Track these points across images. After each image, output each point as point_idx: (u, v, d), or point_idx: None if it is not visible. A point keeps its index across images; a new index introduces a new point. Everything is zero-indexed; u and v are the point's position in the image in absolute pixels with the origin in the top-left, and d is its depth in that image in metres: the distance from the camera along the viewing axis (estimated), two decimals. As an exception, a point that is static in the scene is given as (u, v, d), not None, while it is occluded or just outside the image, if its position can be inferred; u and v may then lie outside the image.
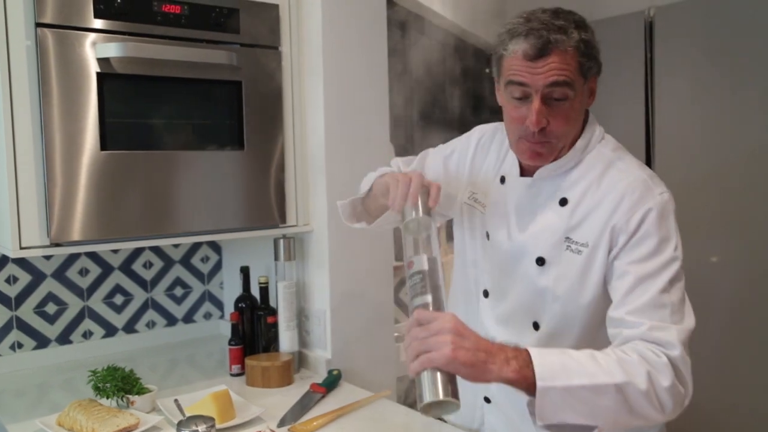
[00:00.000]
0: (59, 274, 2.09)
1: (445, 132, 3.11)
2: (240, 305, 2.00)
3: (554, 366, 1.04)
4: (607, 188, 1.23)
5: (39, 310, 2.06)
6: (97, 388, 1.64)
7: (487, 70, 3.42)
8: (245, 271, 2.02)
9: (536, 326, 1.31)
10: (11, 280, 2.01)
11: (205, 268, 2.41)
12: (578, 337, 1.26)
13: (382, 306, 2.07)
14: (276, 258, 1.95)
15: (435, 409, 1.02)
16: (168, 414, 1.57)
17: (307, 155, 1.96)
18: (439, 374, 1.01)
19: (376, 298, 2.04)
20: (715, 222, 2.53)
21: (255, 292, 2.02)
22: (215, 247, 2.43)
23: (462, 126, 3.19)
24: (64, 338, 2.11)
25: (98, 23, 1.57)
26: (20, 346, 2.03)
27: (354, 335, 1.98)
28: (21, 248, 1.52)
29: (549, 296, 1.27)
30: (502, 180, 1.38)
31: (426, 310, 1.07)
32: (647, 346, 1.10)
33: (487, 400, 1.42)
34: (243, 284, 2.02)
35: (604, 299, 1.22)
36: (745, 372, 2.39)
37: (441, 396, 1.00)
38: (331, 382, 1.80)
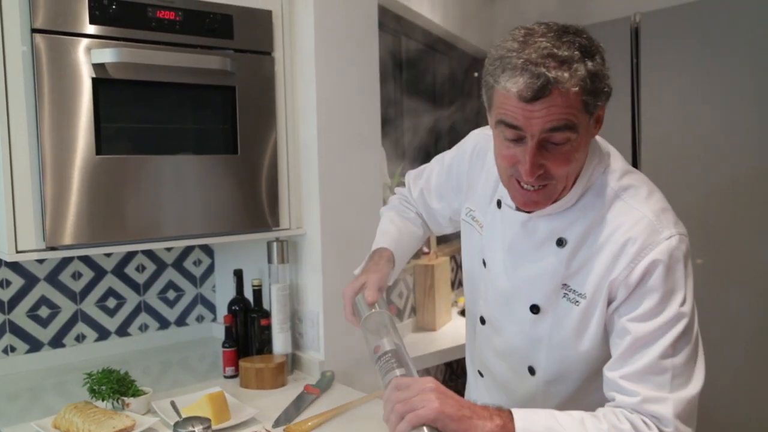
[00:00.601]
0: (52, 278, 2.10)
1: (434, 135, 3.15)
2: (233, 308, 2.02)
3: (537, 429, 1.00)
4: (609, 231, 1.09)
5: (32, 313, 2.07)
6: (92, 391, 1.65)
7: (476, 74, 3.45)
8: (239, 274, 2.04)
9: (532, 371, 1.24)
10: (4, 284, 2.01)
11: (197, 272, 2.42)
12: (577, 383, 1.20)
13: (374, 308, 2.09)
14: (269, 261, 1.97)
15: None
16: (163, 415, 1.59)
17: (300, 159, 1.98)
18: (425, 428, 0.99)
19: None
20: (700, 225, 2.57)
21: (248, 294, 2.03)
22: (207, 250, 2.45)
23: (451, 130, 3.23)
24: (57, 342, 2.11)
25: (93, 29, 1.59)
26: (13, 349, 2.03)
27: (347, 337, 2.00)
28: (17, 252, 1.53)
29: (544, 346, 1.19)
30: (499, 204, 1.25)
31: (402, 378, 1.06)
32: (641, 417, 1.02)
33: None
34: (236, 287, 2.04)
35: (604, 348, 1.13)
36: (733, 373, 2.44)
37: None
38: (325, 384, 1.83)
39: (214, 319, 2.46)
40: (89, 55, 1.58)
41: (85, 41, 1.58)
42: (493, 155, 1.17)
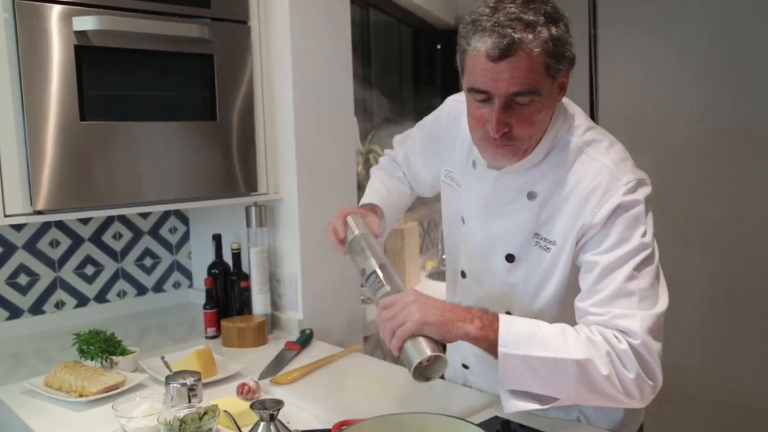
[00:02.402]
0: (30, 246, 2.12)
1: (403, 106, 3.22)
2: (213, 271, 2.08)
3: (519, 335, 1.10)
4: (574, 182, 1.20)
5: (11, 281, 2.09)
6: (81, 351, 1.70)
7: (439, 46, 3.51)
8: (218, 239, 2.10)
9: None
10: (-17, 252, 2.04)
11: (173, 239, 2.47)
12: None
13: (350, 269, 2.17)
14: (248, 225, 2.03)
15: (426, 371, 1.10)
16: (152, 372, 1.65)
17: (276, 125, 2.04)
18: (420, 338, 1.10)
19: (344, 261, 2.14)
20: (653, 186, 2.72)
21: (227, 258, 2.10)
22: (182, 218, 2.49)
23: (419, 99, 3.30)
24: (36, 309, 2.15)
25: (74, -4, 1.62)
26: (-6, 316, 2.06)
27: (324, 297, 2.09)
28: (5, 216, 1.56)
29: (519, 291, 1.29)
30: (474, 164, 1.34)
31: (388, 296, 1.16)
32: (612, 331, 1.10)
33: (465, 366, 1.50)
34: (215, 251, 2.10)
35: (574, 289, 1.21)
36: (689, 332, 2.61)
37: (428, 352, 1.08)
38: (305, 341, 1.91)
39: (191, 285, 2.51)
40: (71, 22, 1.60)
41: (66, 8, 1.60)
42: (466, 119, 1.26)
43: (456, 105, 1.45)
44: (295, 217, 2.03)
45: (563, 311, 1.25)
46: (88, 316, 2.24)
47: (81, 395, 1.53)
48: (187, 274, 2.51)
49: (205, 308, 2.02)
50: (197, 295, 2.39)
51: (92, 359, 1.70)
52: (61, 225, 2.18)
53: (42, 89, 1.57)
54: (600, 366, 1.08)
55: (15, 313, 2.10)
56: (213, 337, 2.01)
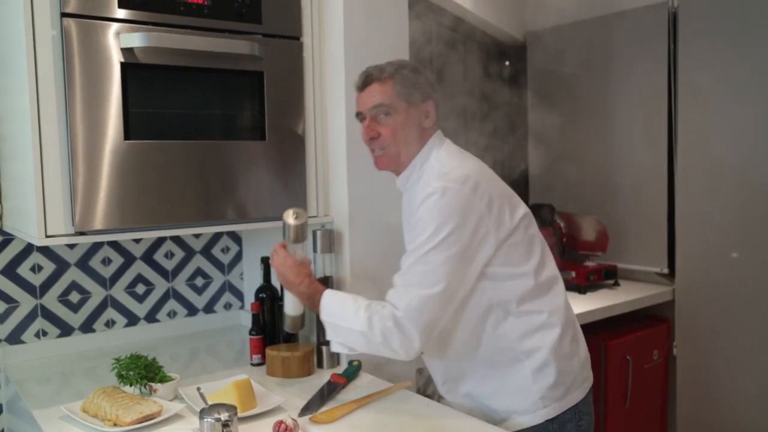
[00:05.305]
0: (83, 264, 2.11)
1: (463, 122, 3.11)
2: (260, 296, 2.01)
3: (330, 309, 1.56)
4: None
5: (63, 298, 2.09)
6: (120, 376, 1.66)
7: (507, 63, 3.40)
8: (266, 262, 2.03)
9: None
10: (36, 268, 2.04)
11: (225, 259, 2.42)
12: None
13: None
14: (314, 250, 1.93)
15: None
16: (190, 402, 1.59)
17: (328, 146, 1.96)
18: (288, 322, 1.75)
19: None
20: (737, 218, 2.50)
21: (275, 282, 2.02)
22: (235, 237, 2.45)
23: (475, 118, 3.18)
24: (87, 327, 2.13)
25: (122, 13, 1.59)
26: (45, 333, 2.06)
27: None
28: (46, 237, 1.54)
29: None
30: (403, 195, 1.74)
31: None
32: (388, 306, 1.48)
33: None
34: (263, 275, 2.03)
35: None
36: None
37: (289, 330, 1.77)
38: (352, 373, 1.81)
39: (242, 307, 2.46)
40: (118, 39, 1.57)
41: (114, 25, 1.57)
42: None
43: None
44: (345, 241, 1.93)
45: None
46: (138, 335, 2.22)
47: (115, 424, 1.48)
48: (239, 295, 2.46)
49: (250, 334, 1.95)
50: (248, 318, 2.32)
51: (131, 385, 1.65)
52: (113, 243, 2.16)
53: (86, 108, 1.54)
54: (375, 335, 1.47)
55: (66, 330, 2.10)
56: (258, 365, 1.94)
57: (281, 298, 1.98)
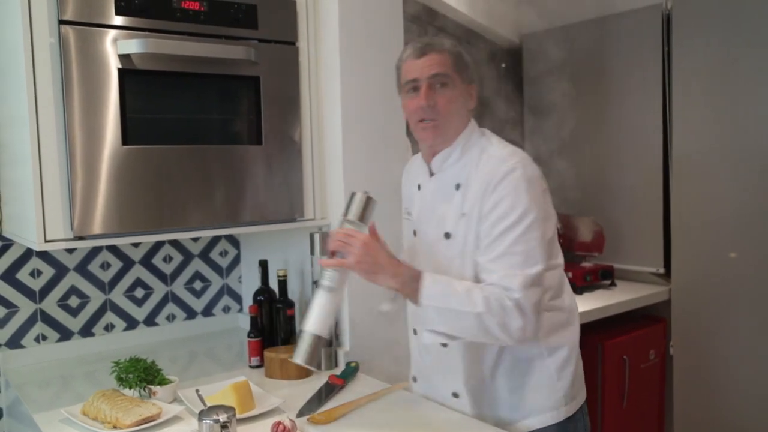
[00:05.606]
0: (82, 268, 2.13)
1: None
2: (258, 298, 2.02)
3: (435, 291, 1.41)
4: (480, 169, 1.51)
5: (62, 303, 2.10)
6: (120, 379, 1.67)
7: (503, 65, 3.42)
8: (264, 265, 2.05)
9: None
10: (35, 273, 2.05)
11: (223, 262, 2.44)
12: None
13: (399, 300, 2.08)
14: (311, 252, 1.95)
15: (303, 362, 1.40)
16: (189, 404, 1.60)
17: (324, 149, 1.98)
18: (309, 343, 1.39)
19: (393, 292, 2.05)
20: (732, 218, 2.52)
21: (273, 285, 2.04)
22: (233, 241, 2.46)
23: (482, 118, 3.19)
24: (86, 331, 2.15)
25: (119, 20, 1.60)
26: (44, 338, 2.07)
27: (371, 329, 1.99)
28: (46, 241, 1.55)
29: (456, 261, 1.53)
30: (419, 187, 1.66)
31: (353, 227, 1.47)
32: (500, 288, 1.40)
33: (455, 395, 1.61)
34: (261, 278, 2.04)
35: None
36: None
37: (299, 361, 1.39)
38: (349, 374, 1.82)
39: (240, 310, 2.48)
40: (115, 46, 1.59)
41: (111, 32, 1.59)
42: (412, 167, 1.73)
43: (407, 165, 1.80)
44: (342, 243, 1.95)
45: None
46: (137, 339, 2.23)
47: (115, 426, 1.50)
48: (237, 299, 2.48)
49: (249, 336, 1.96)
50: (247, 320, 2.33)
51: (130, 388, 1.66)
52: (112, 247, 2.18)
53: (84, 114, 1.56)
54: (494, 317, 1.38)
55: (65, 335, 2.11)
56: (257, 367, 1.95)
57: (280, 301, 2.01)
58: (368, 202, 1.48)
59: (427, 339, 1.49)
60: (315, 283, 1.69)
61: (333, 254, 1.45)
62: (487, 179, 1.47)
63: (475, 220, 1.49)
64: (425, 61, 1.52)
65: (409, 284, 1.43)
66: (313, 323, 1.42)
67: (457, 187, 1.55)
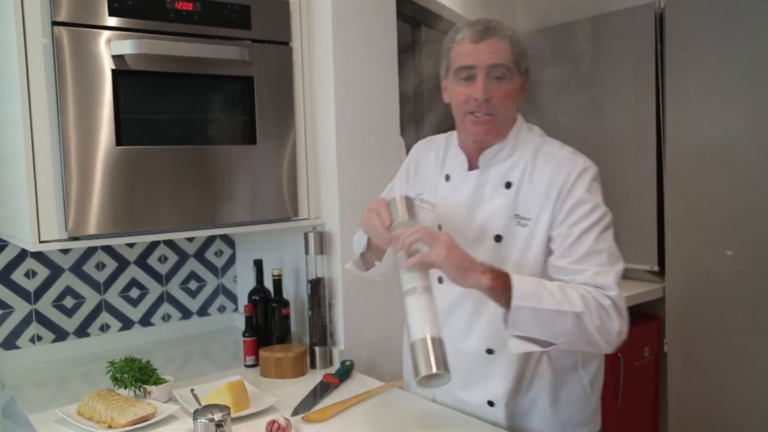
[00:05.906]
0: (76, 269, 2.13)
1: (450, 125, 3.13)
2: (254, 298, 2.03)
3: (529, 290, 1.27)
4: (541, 170, 1.42)
5: (57, 303, 2.10)
6: (115, 379, 1.67)
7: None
8: (258, 265, 2.05)
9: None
10: (30, 274, 2.05)
11: (219, 262, 2.44)
12: None
13: (393, 297, 2.09)
14: (306, 252, 1.95)
15: (431, 381, 1.18)
16: (184, 403, 1.61)
17: (318, 149, 1.99)
18: (431, 348, 1.17)
19: (388, 289, 2.06)
20: (725, 216, 2.53)
21: (268, 284, 2.04)
22: (228, 241, 2.46)
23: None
24: (81, 331, 2.15)
25: (113, 21, 1.61)
26: (39, 338, 2.07)
27: (366, 327, 2.00)
28: (40, 242, 1.55)
29: (508, 265, 1.40)
30: (447, 178, 1.54)
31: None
32: (594, 287, 1.30)
33: (490, 403, 1.49)
34: (256, 277, 2.05)
35: (545, 264, 1.40)
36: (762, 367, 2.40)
37: (434, 369, 1.15)
38: (344, 373, 1.83)
39: (236, 310, 2.48)
40: (109, 46, 1.59)
41: (104, 33, 1.59)
42: (434, 149, 1.59)
43: (421, 143, 1.67)
44: (336, 243, 1.96)
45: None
46: (133, 339, 2.23)
47: (110, 426, 1.50)
48: (233, 298, 2.48)
49: (244, 336, 1.97)
50: (242, 320, 2.34)
51: (125, 388, 1.67)
52: (106, 248, 2.18)
53: (78, 114, 1.56)
54: (594, 317, 1.26)
55: (61, 335, 2.11)
56: (252, 366, 1.96)
57: (275, 300, 2.01)
58: (408, 201, 1.40)
59: (515, 347, 1.31)
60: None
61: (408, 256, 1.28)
62: (559, 180, 1.38)
63: (544, 223, 1.39)
64: (485, 47, 1.37)
65: (496, 284, 1.26)
66: (424, 328, 1.21)
67: (508, 185, 1.44)
